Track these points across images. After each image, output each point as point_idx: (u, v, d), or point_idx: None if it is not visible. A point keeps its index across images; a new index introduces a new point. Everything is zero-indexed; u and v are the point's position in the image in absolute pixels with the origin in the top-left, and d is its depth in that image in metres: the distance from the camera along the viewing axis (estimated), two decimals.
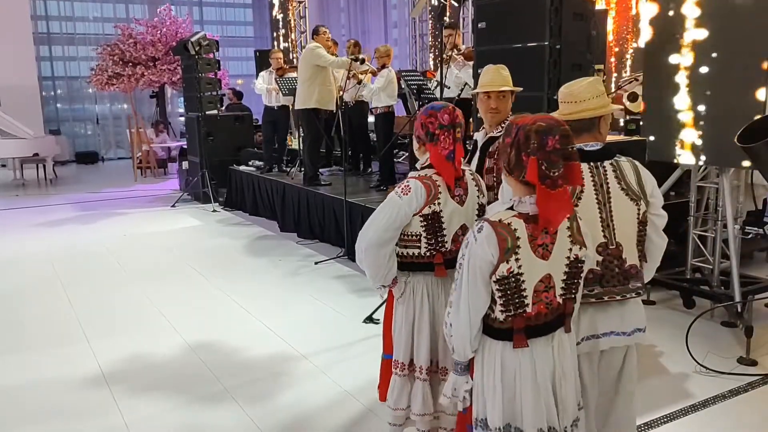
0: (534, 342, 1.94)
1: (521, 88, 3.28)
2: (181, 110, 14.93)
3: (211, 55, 9.88)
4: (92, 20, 16.94)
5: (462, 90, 6.82)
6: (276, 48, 11.16)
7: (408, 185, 2.48)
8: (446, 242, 2.52)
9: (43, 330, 4.79)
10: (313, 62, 7.46)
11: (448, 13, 10.60)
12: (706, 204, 5.11)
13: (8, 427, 3.44)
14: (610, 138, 4.96)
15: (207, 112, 9.78)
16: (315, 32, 7.80)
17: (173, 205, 9.77)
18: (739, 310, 4.27)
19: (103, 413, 3.54)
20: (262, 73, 9.70)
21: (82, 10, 16.82)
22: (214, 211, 9.31)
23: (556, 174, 1.84)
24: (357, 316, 4.69)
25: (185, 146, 11.58)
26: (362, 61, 7.65)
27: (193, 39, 9.62)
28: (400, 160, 9.54)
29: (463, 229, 2.55)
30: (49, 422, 3.46)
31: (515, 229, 1.86)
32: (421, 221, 2.48)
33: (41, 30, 16.25)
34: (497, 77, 3.14)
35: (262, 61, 11.06)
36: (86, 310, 5.19)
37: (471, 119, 6.64)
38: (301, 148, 8.52)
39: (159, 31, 13.31)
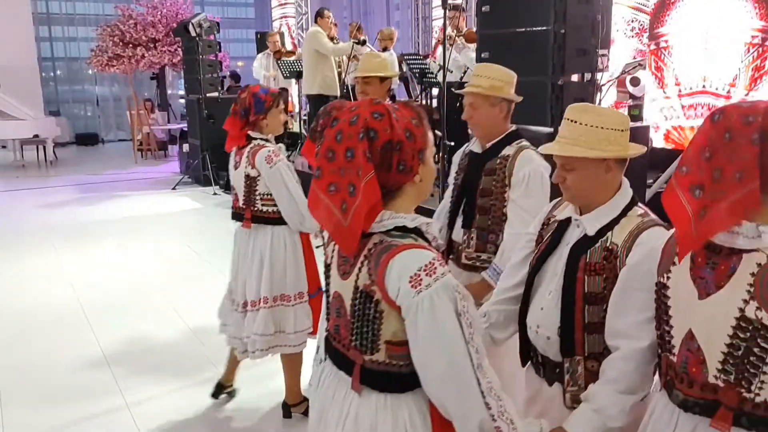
0: None
1: (395, 73, 3.36)
2: (182, 92, 14.85)
3: (212, 37, 9.81)
4: (92, 0, 16.81)
5: (464, 73, 6.79)
6: (273, 30, 11.06)
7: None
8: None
9: (44, 312, 4.80)
10: (314, 47, 7.42)
11: None
12: None
13: (11, 407, 3.46)
14: None
15: (208, 95, 9.73)
16: (319, 15, 7.73)
17: (174, 188, 9.76)
18: None
19: (104, 394, 3.56)
20: (259, 56, 9.65)
21: None
22: (215, 194, 9.30)
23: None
24: None
25: (186, 129, 11.53)
26: (363, 43, 7.60)
27: (194, 20, 9.55)
28: None
29: (233, 189, 3.15)
30: (52, 403, 3.49)
31: None
32: None
33: (41, 10, 16.14)
34: (366, 64, 3.34)
35: (263, 43, 11.00)
36: (87, 292, 5.19)
37: None
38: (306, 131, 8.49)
39: (159, 12, 13.20)
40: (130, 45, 13.00)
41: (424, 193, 1.51)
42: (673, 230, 1.50)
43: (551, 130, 3.82)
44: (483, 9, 4.34)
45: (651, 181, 5.38)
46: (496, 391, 1.41)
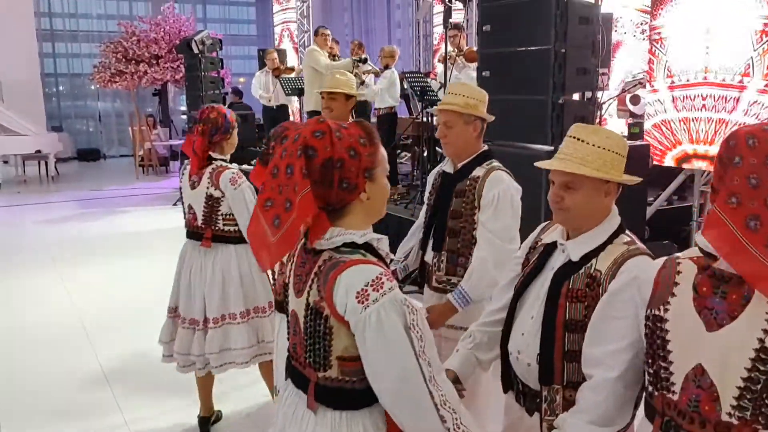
0: None
1: (358, 93, 3.52)
2: (184, 108, 14.91)
3: (214, 54, 9.87)
4: (96, 17, 16.93)
5: None
6: (271, 48, 11.14)
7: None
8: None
9: (45, 328, 4.79)
10: (311, 65, 7.48)
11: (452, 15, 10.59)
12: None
13: (11, 424, 3.45)
14: None
15: None
16: (316, 33, 7.83)
17: (175, 204, 9.75)
18: None
19: (104, 413, 3.54)
20: (257, 74, 9.70)
21: (86, 7, 16.81)
22: None
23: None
24: None
25: None
26: (365, 61, 7.65)
27: (196, 37, 9.60)
28: (402, 161, 9.55)
29: (189, 208, 3.16)
30: (51, 420, 3.47)
31: None
32: None
33: (45, 27, 16.25)
34: (333, 80, 3.48)
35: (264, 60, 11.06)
36: (87, 308, 5.19)
37: None
38: None
39: (162, 29, 13.30)
40: (133, 61, 13.09)
41: (375, 212, 1.52)
42: (663, 259, 1.44)
43: (551, 148, 3.83)
44: (484, 28, 4.37)
45: (651, 199, 5.39)
46: (452, 404, 1.41)
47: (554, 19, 3.82)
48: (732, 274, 1.26)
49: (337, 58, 8.03)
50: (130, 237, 7.77)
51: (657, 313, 1.37)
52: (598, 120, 5.14)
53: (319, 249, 1.45)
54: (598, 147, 1.69)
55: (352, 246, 1.43)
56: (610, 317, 1.53)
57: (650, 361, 1.40)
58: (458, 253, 2.59)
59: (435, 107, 2.68)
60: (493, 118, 2.60)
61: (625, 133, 6.94)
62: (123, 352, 4.33)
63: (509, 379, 1.92)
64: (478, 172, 2.56)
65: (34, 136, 12.45)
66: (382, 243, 1.49)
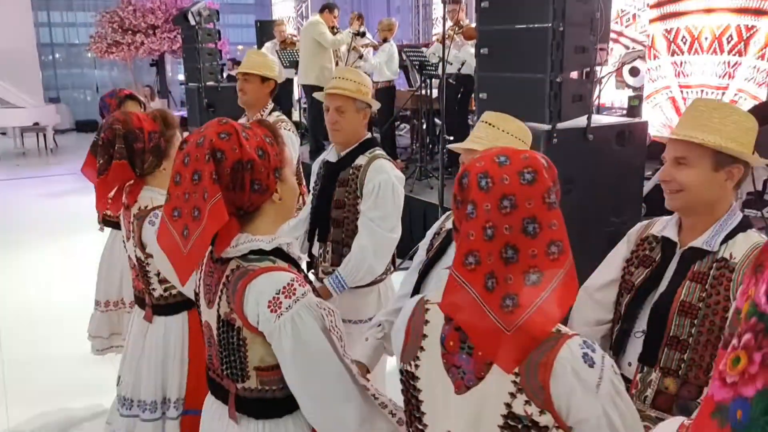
0: None
1: (276, 76, 3.44)
2: (182, 78, 14.82)
3: (212, 25, 9.77)
4: None
5: (462, 65, 6.80)
6: (280, 20, 11.03)
7: None
8: None
9: (48, 305, 4.85)
10: (314, 37, 7.42)
11: None
12: None
13: (17, 401, 3.53)
14: (608, 119, 4.95)
15: (207, 83, 9.71)
16: (329, 9, 7.69)
17: None
18: None
19: (110, 388, 3.60)
20: (266, 45, 9.63)
21: None
22: None
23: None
24: None
25: (186, 116, 11.52)
26: (363, 35, 7.59)
27: (193, 9, 9.49)
28: (401, 133, 9.53)
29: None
30: (58, 398, 3.54)
31: None
32: None
33: None
34: (248, 60, 3.37)
35: (263, 31, 10.94)
36: (89, 283, 5.23)
37: (473, 96, 6.61)
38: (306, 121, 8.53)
39: None
40: (130, 32, 12.97)
41: (286, 212, 1.49)
42: (418, 298, 1.29)
43: (549, 127, 3.83)
44: (482, 4, 4.32)
45: (650, 173, 5.41)
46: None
47: None
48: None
49: (336, 29, 7.95)
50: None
51: (408, 369, 1.24)
52: (597, 95, 5.10)
53: (226, 257, 1.40)
54: (504, 131, 1.78)
55: (260, 253, 1.38)
56: None
57: (408, 421, 1.28)
58: (343, 244, 2.56)
59: (322, 92, 2.61)
60: (379, 105, 2.59)
61: (625, 105, 6.93)
62: None
63: None
64: (361, 160, 2.53)
65: (32, 107, 12.42)
66: (293, 247, 1.47)
